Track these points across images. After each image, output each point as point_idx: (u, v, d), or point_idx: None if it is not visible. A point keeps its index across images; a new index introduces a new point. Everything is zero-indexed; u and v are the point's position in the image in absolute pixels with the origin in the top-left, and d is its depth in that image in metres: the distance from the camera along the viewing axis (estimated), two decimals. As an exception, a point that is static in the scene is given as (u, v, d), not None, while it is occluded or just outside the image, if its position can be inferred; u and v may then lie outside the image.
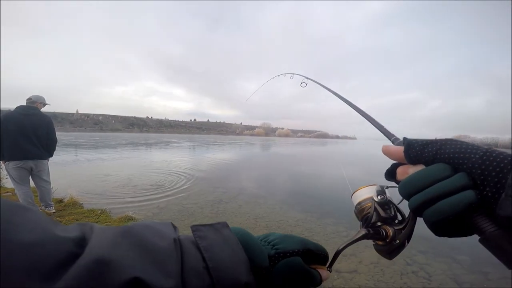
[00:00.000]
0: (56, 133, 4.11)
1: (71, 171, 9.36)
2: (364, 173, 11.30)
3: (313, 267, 0.44)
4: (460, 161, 0.33)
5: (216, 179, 8.49)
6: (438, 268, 3.12)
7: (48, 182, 4.09)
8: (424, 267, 3.14)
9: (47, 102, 4.02)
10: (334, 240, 3.95)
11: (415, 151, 0.38)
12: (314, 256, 0.44)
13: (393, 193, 0.46)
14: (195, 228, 0.37)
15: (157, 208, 5.27)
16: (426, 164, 0.37)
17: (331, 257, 0.47)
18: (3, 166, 3.88)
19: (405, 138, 0.41)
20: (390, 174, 0.43)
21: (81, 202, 5.15)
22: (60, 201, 4.98)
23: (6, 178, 5.11)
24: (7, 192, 5.31)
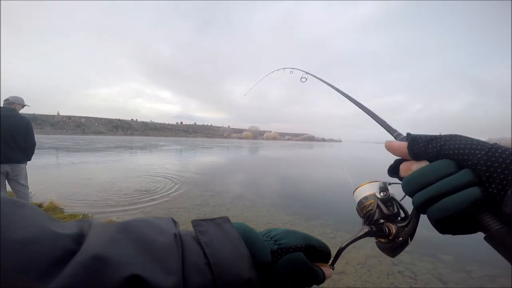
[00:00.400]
0: (36, 136, 3.94)
1: (52, 175, 8.98)
2: (354, 175, 11.49)
3: (316, 264, 0.43)
4: (465, 157, 0.33)
5: (203, 183, 8.37)
6: (423, 268, 3.19)
7: (26, 187, 3.90)
8: (410, 267, 3.20)
9: (26, 103, 3.85)
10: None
11: (419, 147, 0.37)
12: (317, 253, 0.43)
13: (396, 190, 0.46)
14: (196, 223, 0.37)
15: (142, 213, 5.14)
16: (430, 160, 0.36)
17: (334, 255, 0.46)
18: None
19: (408, 134, 0.40)
20: (393, 170, 0.42)
21: (62, 207, 4.96)
22: (39, 206, 4.75)
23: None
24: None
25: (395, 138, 0.46)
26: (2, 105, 3.63)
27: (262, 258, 0.36)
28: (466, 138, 0.34)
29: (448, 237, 3.99)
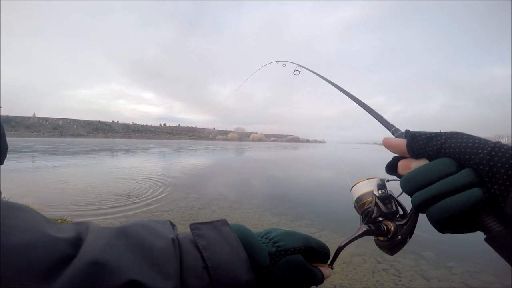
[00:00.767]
0: (9, 138, 3.70)
1: (28, 179, 8.54)
2: (339, 175, 11.68)
3: (314, 265, 0.43)
4: (467, 156, 0.31)
5: (188, 185, 8.23)
6: (406, 265, 3.27)
7: (-3, 192, 3.66)
8: (394, 264, 3.28)
9: (-4, 103, 3.62)
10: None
11: (419, 144, 0.35)
12: (316, 254, 0.43)
13: (394, 186, 0.45)
14: (193, 227, 0.36)
15: (125, 216, 4.96)
16: (430, 158, 0.35)
17: (333, 254, 0.45)
18: None
19: (407, 131, 0.39)
20: (391, 167, 0.41)
21: (39, 212, 4.69)
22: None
23: None
24: None
25: (393, 133, 0.45)
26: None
27: (260, 261, 0.36)
28: (468, 136, 0.33)
29: (428, 234, 4.13)
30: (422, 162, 0.35)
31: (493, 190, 0.29)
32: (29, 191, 6.66)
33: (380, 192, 0.44)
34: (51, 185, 7.52)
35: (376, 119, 0.53)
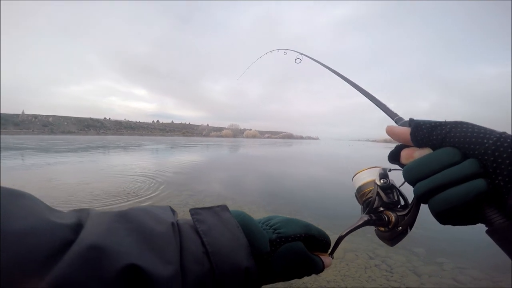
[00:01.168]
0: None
1: (17, 177, 8.34)
2: (333, 172, 11.76)
3: (315, 253, 0.43)
4: (471, 146, 0.30)
5: (182, 182, 8.16)
6: (398, 261, 3.31)
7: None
8: (386, 260, 3.32)
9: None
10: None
11: (423, 133, 0.35)
12: (317, 242, 0.43)
13: (396, 176, 0.44)
14: (194, 212, 0.37)
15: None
16: (434, 147, 0.34)
17: (333, 244, 0.46)
18: None
19: (411, 119, 0.38)
20: (394, 156, 0.40)
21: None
22: None
23: None
24: None
25: (396, 122, 0.44)
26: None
27: (260, 248, 0.36)
28: (473, 126, 0.32)
29: (418, 230, 4.20)
30: (426, 151, 0.35)
31: (497, 181, 0.29)
32: (20, 188, 6.51)
33: (382, 181, 0.44)
34: (42, 183, 7.37)
35: (380, 107, 0.52)
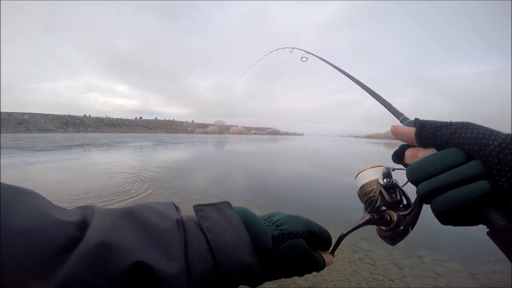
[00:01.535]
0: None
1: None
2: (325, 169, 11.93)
3: (316, 251, 0.43)
4: (476, 147, 0.30)
5: (166, 180, 8.00)
6: (380, 254, 3.41)
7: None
8: (369, 254, 3.41)
9: None
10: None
11: (428, 133, 0.34)
12: (318, 240, 0.43)
13: (399, 176, 0.44)
14: (197, 208, 0.37)
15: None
16: (438, 148, 0.34)
17: (334, 242, 0.46)
18: None
19: (417, 119, 0.38)
20: (398, 156, 0.40)
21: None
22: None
23: None
24: None
25: (401, 122, 0.44)
26: None
27: (263, 244, 0.36)
28: (479, 127, 0.32)
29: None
30: (430, 151, 0.35)
31: (501, 183, 0.28)
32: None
33: (385, 180, 0.43)
34: (20, 184, 7.00)
35: (385, 106, 0.51)
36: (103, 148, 21.78)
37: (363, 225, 0.44)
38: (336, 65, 0.76)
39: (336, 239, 0.45)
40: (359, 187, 0.49)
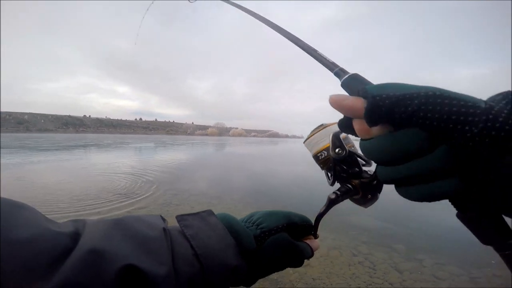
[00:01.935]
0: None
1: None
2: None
3: (302, 240, 0.44)
4: (446, 130, 0.23)
5: (166, 181, 7.97)
6: (380, 258, 3.39)
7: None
8: (368, 257, 3.39)
9: None
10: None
11: (381, 113, 0.25)
12: (301, 228, 0.43)
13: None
14: (180, 218, 0.38)
15: (98, 214, 4.72)
16: (395, 126, 0.26)
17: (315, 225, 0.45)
18: None
19: (365, 90, 0.27)
20: (345, 124, 0.31)
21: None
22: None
23: None
24: None
25: (338, 76, 0.35)
26: None
27: (247, 245, 0.37)
28: (451, 99, 0.23)
29: (398, 227, 4.34)
30: (385, 128, 0.27)
31: (473, 175, 0.24)
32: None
33: (337, 151, 0.39)
34: (18, 184, 7.00)
35: (314, 57, 0.41)
36: (103, 149, 21.77)
37: (332, 206, 0.42)
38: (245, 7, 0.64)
39: (314, 221, 0.45)
40: (312, 155, 0.45)
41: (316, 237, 0.46)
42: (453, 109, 0.23)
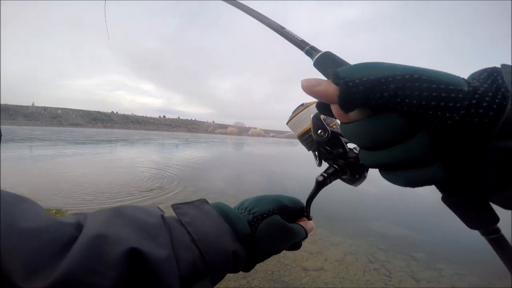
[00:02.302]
0: (7, 127, 3.69)
1: (24, 167, 8.54)
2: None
3: (297, 222, 0.45)
4: (426, 115, 0.21)
5: (186, 178, 8.23)
6: (397, 265, 3.31)
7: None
8: (385, 264, 3.32)
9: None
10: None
11: (356, 99, 0.23)
12: (292, 210, 0.44)
13: None
14: (175, 207, 0.39)
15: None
16: (373, 110, 0.24)
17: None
18: None
19: (336, 74, 0.25)
20: (323, 109, 0.29)
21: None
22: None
23: None
24: None
25: (309, 55, 0.33)
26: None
27: (242, 231, 0.38)
28: (431, 82, 0.21)
29: (419, 235, 4.17)
30: (363, 113, 0.25)
31: (455, 163, 0.23)
32: (26, 178, 6.66)
33: (319, 132, 0.38)
34: (49, 174, 7.52)
35: (283, 36, 0.39)
36: (129, 144, 22.69)
37: (320, 189, 0.42)
38: None
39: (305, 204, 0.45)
40: (296, 136, 0.45)
41: (309, 218, 0.46)
42: (432, 94, 0.21)
